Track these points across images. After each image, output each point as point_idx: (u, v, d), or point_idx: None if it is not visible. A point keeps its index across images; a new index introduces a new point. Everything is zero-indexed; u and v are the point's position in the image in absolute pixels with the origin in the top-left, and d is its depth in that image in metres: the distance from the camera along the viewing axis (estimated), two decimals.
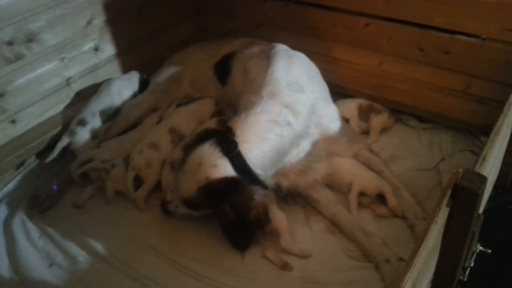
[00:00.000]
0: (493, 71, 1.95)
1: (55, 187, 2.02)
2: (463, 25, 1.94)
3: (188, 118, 2.12)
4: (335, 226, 1.81)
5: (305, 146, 1.86)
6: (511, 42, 1.84)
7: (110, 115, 2.19)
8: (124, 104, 2.27)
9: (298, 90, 1.81)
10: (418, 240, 0.98)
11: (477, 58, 1.96)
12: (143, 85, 2.36)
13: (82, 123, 2.12)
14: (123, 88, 2.29)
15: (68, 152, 2.12)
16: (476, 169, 1.15)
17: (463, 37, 1.97)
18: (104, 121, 2.17)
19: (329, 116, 1.95)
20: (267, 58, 1.92)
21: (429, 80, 2.14)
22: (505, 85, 1.91)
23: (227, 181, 1.63)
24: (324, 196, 1.88)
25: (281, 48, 2.01)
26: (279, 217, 1.79)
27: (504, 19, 1.82)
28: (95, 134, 2.13)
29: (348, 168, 1.94)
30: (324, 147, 1.93)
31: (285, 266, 1.69)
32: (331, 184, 1.95)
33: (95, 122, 2.14)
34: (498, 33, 1.86)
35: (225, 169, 1.64)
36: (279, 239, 1.74)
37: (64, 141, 2.09)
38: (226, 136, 1.67)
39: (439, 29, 1.99)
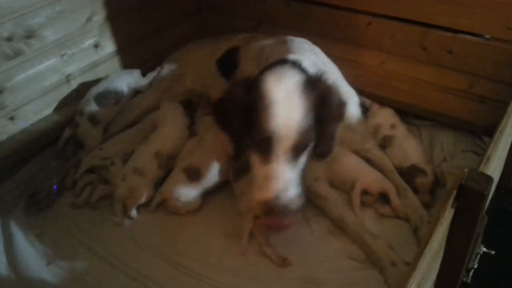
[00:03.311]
0: (497, 70, 1.93)
1: (55, 186, 2.01)
2: (467, 24, 1.92)
3: (173, 139, 2.03)
4: (338, 227, 1.78)
5: None
6: None
7: (107, 97, 2.18)
8: (125, 103, 2.27)
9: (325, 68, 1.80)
10: (423, 242, 0.96)
11: (480, 58, 1.95)
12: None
13: (80, 113, 2.13)
14: (122, 75, 2.30)
15: (74, 144, 2.13)
16: (481, 169, 1.13)
17: (466, 36, 1.95)
18: (103, 104, 2.15)
19: (352, 101, 1.93)
20: (287, 43, 1.89)
21: (431, 80, 2.13)
22: (509, 85, 1.90)
23: None
24: (331, 195, 1.85)
25: (295, 38, 1.99)
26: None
27: (508, 18, 1.81)
28: (94, 120, 2.11)
29: (352, 165, 1.92)
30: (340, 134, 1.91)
31: (284, 263, 1.67)
32: (333, 181, 1.92)
33: (91, 107, 2.13)
34: (502, 32, 1.85)
35: None
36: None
37: (66, 133, 2.11)
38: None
39: (442, 28, 1.98)
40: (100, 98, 2.15)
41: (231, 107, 1.53)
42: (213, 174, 1.89)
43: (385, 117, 2.14)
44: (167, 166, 1.97)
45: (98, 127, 2.13)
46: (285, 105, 1.43)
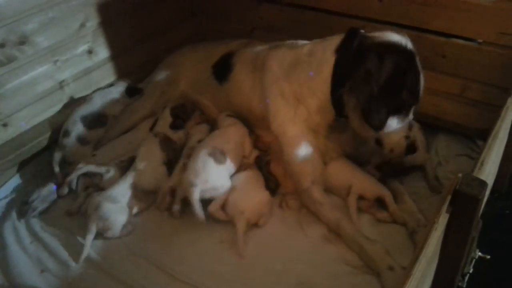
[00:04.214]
0: (489, 75, 1.95)
1: (55, 186, 2.00)
2: (459, 28, 1.94)
3: (149, 173, 1.95)
4: (334, 233, 1.77)
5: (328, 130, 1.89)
6: (507, 46, 1.84)
7: (94, 120, 2.15)
8: (119, 110, 2.27)
9: None
10: (418, 247, 0.96)
11: (473, 62, 1.96)
12: (131, 91, 2.33)
13: (66, 134, 2.10)
14: (106, 94, 2.26)
15: (66, 165, 2.09)
16: (475, 173, 1.14)
17: (459, 41, 1.97)
18: (89, 127, 2.12)
19: None
20: (283, 45, 1.95)
21: (425, 84, 2.13)
22: (501, 89, 1.90)
23: None
24: (328, 199, 1.85)
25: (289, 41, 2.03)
26: (264, 198, 1.84)
27: (500, 23, 1.82)
28: (83, 140, 2.09)
29: (348, 170, 1.92)
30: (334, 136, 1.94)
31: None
32: (328, 186, 1.91)
33: (78, 128, 2.10)
34: (494, 37, 1.86)
35: None
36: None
37: (56, 157, 2.07)
38: None
39: (435, 33, 1.99)
40: (87, 120, 2.13)
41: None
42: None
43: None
44: (145, 200, 1.93)
45: (87, 147, 2.11)
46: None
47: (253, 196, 1.83)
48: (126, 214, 1.84)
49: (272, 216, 1.85)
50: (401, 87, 1.66)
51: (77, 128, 2.10)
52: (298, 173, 1.85)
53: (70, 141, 2.08)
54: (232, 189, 1.83)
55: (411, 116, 1.79)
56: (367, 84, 1.63)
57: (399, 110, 1.72)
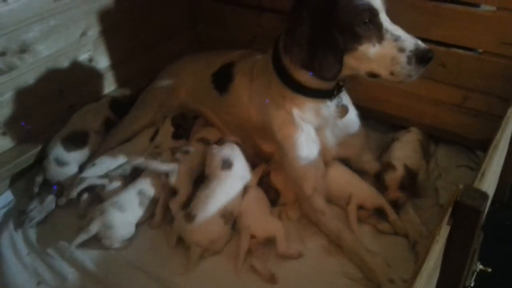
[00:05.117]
0: (490, 84, 1.94)
1: (55, 187, 1.98)
2: (459, 38, 1.93)
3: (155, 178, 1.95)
4: (334, 245, 1.75)
5: (328, 135, 1.87)
6: (508, 56, 1.84)
7: (73, 139, 2.10)
8: (120, 120, 2.26)
9: None
10: (420, 260, 0.95)
11: (473, 72, 1.96)
12: (116, 106, 2.31)
13: (46, 156, 2.05)
14: (86, 111, 2.23)
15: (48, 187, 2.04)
16: (476, 185, 1.12)
17: (459, 51, 1.96)
18: (68, 148, 2.07)
19: (352, 110, 1.93)
20: None
21: (424, 94, 2.13)
22: (502, 99, 1.90)
23: None
24: (329, 209, 1.83)
25: None
26: (275, 223, 1.77)
27: (501, 33, 1.82)
28: (60, 161, 2.03)
29: (347, 179, 1.91)
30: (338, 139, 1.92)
31: (272, 279, 1.65)
32: (328, 195, 1.89)
33: (56, 150, 2.05)
34: (495, 46, 1.86)
35: None
36: (276, 246, 1.72)
37: (38, 180, 2.03)
38: None
39: (435, 42, 1.99)
40: (66, 143, 2.07)
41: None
42: None
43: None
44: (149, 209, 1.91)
45: (69, 167, 2.05)
46: None
47: (260, 214, 1.81)
48: (130, 230, 1.82)
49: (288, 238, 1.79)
50: (331, 25, 1.51)
51: (54, 151, 2.04)
52: (301, 178, 1.82)
53: (48, 163, 2.03)
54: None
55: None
56: (294, 41, 1.57)
57: (348, 46, 1.55)
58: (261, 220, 1.78)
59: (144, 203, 1.88)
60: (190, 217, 1.72)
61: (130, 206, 1.83)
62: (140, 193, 1.87)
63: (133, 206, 1.85)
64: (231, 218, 1.79)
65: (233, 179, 1.85)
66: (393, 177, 1.88)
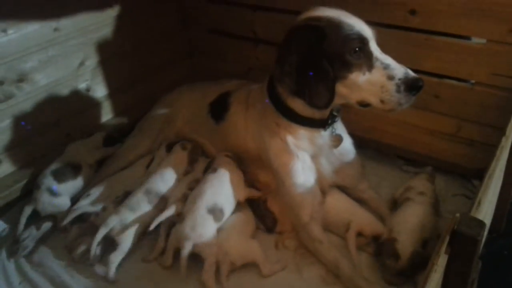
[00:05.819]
0: (483, 114, 1.97)
1: (54, 187, 1.97)
2: (452, 70, 1.97)
3: (164, 176, 2.00)
4: (332, 274, 1.73)
5: (324, 163, 1.87)
6: (500, 86, 1.87)
7: (65, 171, 2.07)
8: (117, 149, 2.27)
9: None
10: None
11: (466, 102, 1.99)
12: (109, 141, 2.30)
13: (37, 186, 2.00)
14: (81, 145, 2.21)
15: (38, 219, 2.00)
16: (472, 213, 1.12)
17: (452, 81, 2.00)
18: (61, 181, 2.03)
19: (347, 137, 1.94)
20: None
21: (419, 123, 2.16)
22: (496, 128, 1.92)
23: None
24: (327, 238, 1.81)
25: None
26: (254, 248, 1.77)
27: (492, 64, 1.86)
28: (53, 193, 2.00)
29: (346, 206, 1.90)
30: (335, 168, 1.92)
31: None
32: (326, 222, 1.87)
33: (48, 181, 2.01)
34: (487, 77, 1.89)
35: None
36: (260, 269, 1.73)
37: (26, 210, 1.96)
38: None
39: (429, 73, 2.02)
40: (58, 174, 2.05)
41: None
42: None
43: (420, 182, 1.99)
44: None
45: (61, 197, 2.02)
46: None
47: (239, 239, 1.80)
48: (131, 240, 1.84)
49: (267, 257, 1.78)
50: (319, 55, 1.55)
51: (47, 182, 2.01)
52: (298, 205, 1.81)
53: (39, 194, 1.98)
54: (219, 230, 1.80)
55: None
56: (284, 71, 1.61)
57: (339, 75, 1.58)
58: (239, 246, 1.78)
59: (150, 201, 1.92)
60: (181, 217, 1.80)
61: (138, 206, 1.88)
62: (148, 191, 1.93)
63: (141, 205, 1.89)
64: (221, 216, 1.82)
65: (220, 179, 1.91)
66: (395, 266, 1.65)
